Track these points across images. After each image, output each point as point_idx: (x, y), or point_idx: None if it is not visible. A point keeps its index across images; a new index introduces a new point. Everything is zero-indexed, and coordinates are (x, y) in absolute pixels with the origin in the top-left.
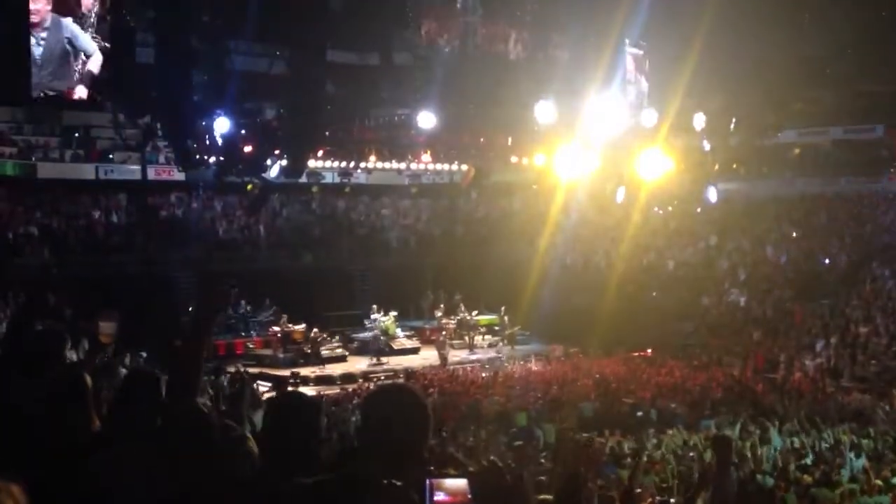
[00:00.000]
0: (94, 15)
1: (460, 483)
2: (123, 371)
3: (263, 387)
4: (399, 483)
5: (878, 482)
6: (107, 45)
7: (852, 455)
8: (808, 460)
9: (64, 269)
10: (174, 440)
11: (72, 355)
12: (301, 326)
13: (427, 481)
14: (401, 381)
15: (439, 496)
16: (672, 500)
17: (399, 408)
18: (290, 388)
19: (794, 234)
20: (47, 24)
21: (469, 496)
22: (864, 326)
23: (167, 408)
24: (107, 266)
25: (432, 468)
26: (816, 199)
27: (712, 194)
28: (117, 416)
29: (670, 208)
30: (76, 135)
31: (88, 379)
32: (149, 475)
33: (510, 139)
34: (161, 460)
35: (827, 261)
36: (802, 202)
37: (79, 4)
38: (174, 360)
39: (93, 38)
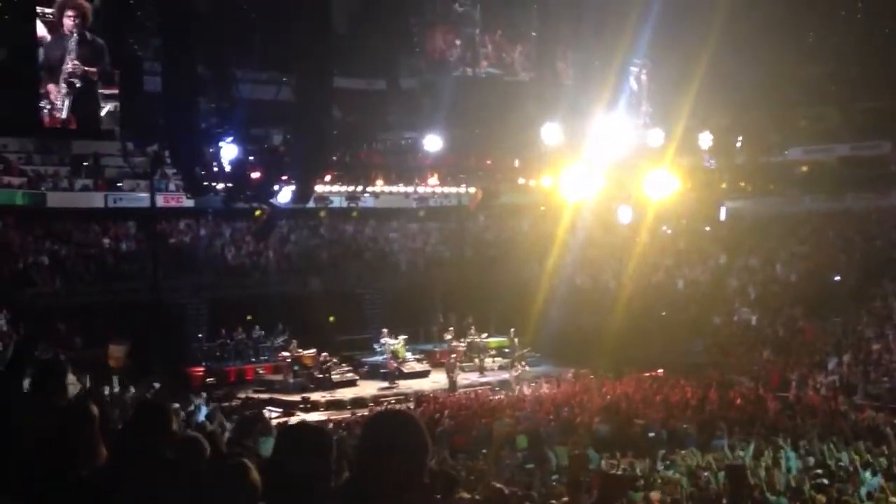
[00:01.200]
0: (74, 36)
1: None
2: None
3: (274, 412)
4: None
5: (894, 499)
6: (86, 68)
7: (867, 474)
8: (823, 480)
9: (74, 297)
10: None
11: (84, 381)
12: (311, 351)
13: None
14: (398, 407)
15: None
16: None
17: (396, 434)
18: (299, 418)
19: (803, 252)
20: None
21: None
22: (875, 343)
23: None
24: (117, 294)
25: (438, 496)
26: (824, 216)
27: (721, 212)
28: (126, 445)
29: (669, 230)
30: (85, 164)
31: (95, 409)
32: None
33: (517, 161)
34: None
35: (837, 277)
36: (810, 219)
37: (61, 25)
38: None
39: (73, 63)
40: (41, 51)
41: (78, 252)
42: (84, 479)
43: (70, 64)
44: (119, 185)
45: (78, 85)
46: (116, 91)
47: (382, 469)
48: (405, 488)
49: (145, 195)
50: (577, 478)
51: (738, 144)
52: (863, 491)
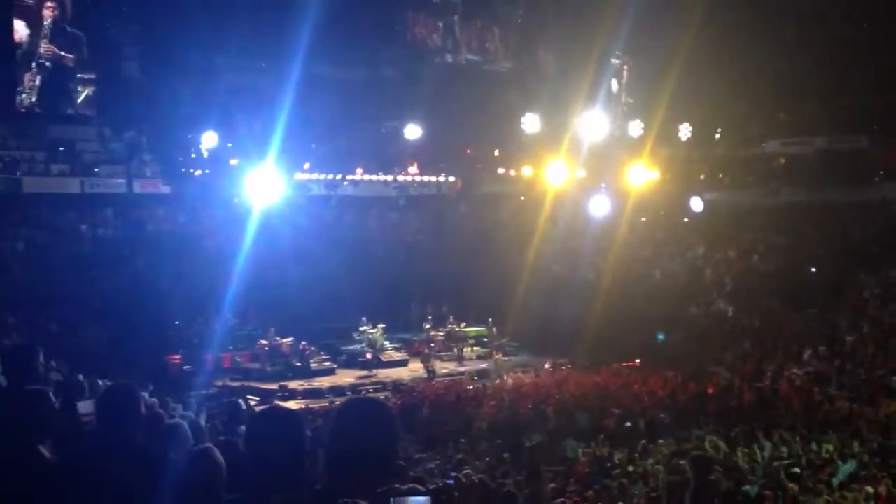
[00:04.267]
0: (50, 23)
1: (421, 501)
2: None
3: (252, 400)
4: (363, 502)
5: (869, 489)
6: (62, 53)
7: (841, 463)
8: (797, 469)
9: (50, 283)
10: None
11: (60, 368)
12: (289, 339)
13: (391, 499)
14: (370, 395)
15: None
16: None
17: (367, 422)
18: (273, 403)
19: (781, 244)
20: None
21: None
22: (850, 335)
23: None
24: (94, 281)
25: (397, 485)
26: (802, 209)
27: (697, 204)
28: (96, 430)
29: (644, 219)
30: (61, 149)
31: (53, 397)
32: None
33: (497, 151)
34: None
35: (813, 270)
36: (788, 212)
37: (40, 15)
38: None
39: (45, 47)
40: (16, 35)
41: (54, 238)
42: (50, 462)
43: (42, 47)
44: (96, 170)
45: (49, 67)
46: (94, 76)
47: (354, 457)
48: (377, 475)
49: (122, 181)
50: (538, 467)
51: (717, 136)
52: (835, 480)
